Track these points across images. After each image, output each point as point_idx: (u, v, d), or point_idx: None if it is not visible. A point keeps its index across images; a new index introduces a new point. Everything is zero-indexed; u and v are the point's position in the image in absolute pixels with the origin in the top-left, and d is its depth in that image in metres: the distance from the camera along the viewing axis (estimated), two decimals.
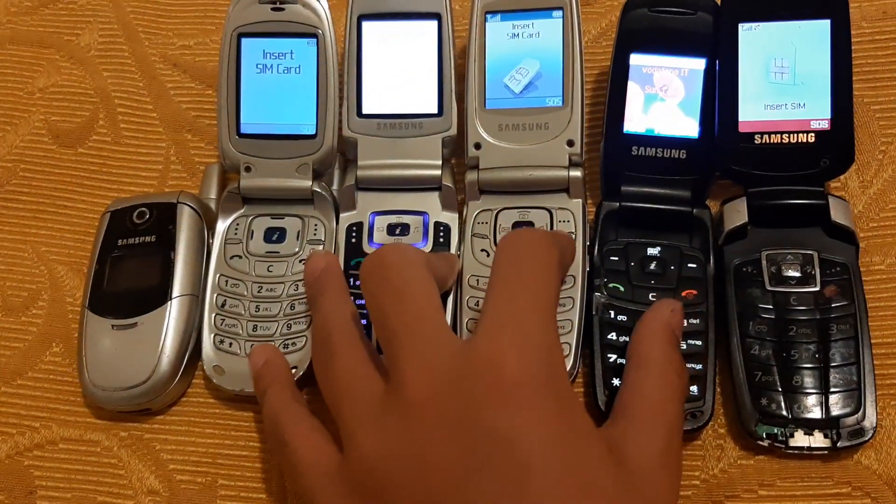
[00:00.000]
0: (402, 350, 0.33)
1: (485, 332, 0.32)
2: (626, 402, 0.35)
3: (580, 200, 0.42)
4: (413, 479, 0.31)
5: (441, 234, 0.43)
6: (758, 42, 0.42)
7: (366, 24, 0.44)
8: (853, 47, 0.45)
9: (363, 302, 0.40)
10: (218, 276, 0.43)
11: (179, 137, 0.50)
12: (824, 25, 0.41)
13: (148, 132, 0.50)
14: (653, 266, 0.41)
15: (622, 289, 0.41)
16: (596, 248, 0.42)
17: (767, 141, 0.41)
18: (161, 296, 0.42)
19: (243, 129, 0.44)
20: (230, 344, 0.42)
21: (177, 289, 0.43)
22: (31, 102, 0.51)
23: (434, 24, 0.43)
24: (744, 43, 0.42)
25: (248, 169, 0.44)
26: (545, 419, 0.30)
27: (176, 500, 0.41)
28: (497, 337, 0.32)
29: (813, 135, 0.41)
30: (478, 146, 0.43)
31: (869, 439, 0.36)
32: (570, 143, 0.42)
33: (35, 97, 0.51)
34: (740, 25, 0.42)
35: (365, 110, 0.44)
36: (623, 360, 0.38)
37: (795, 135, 0.41)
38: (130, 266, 0.44)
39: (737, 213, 0.41)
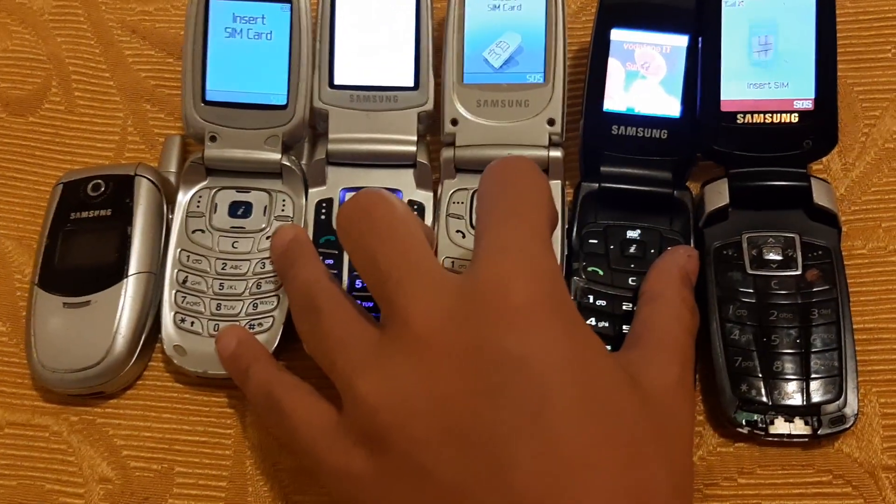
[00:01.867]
0: (400, 288, 0.31)
1: (485, 259, 0.31)
2: (639, 333, 0.35)
3: (559, 182, 0.41)
4: (424, 414, 0.30)
5: (415, 213, 0.41)
6: (741, 19, 0.41)
7: None
8: (837, 27, 0.44)
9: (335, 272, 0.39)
10: (179, 250, 0.41)
11: (138, 107, 0.47)
12: (809, 2, 0.41)
13: (104, 101, 0.47)
14: (632, 249, 0.40)
15: (601, 273, 0.39)
16: (574, 230, 0.40)
17: (750, 121, 0.40)
18: (117, 273, 0.40)
19: (209, 97, 0.41)
20: (192, 323, 0.40)
21: (133, 265, 0.40)
22: None
23: None
24: (727, 20, 0.41)
25: (213, 139, 0.41)
26: (558, 340, 0.30)
27: (129, 489, 0.39)
28: (499, 262, 0.31)
29: (796, 115, 0.40)
30: (454, 122, 0.41)
31: (850, 426, 0.36)
32: (551, 122, 0.41)
33: None
34: (723, 1, 0.41)
35: (337, 81, 0.42)
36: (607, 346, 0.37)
37: (778, 115, 0.40)
38: (84, 241, 0.41)
39: (717, 195, 0.40)
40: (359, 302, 0.38)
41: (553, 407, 0.29)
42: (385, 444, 0.30)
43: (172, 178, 0.44)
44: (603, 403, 0.29)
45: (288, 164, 0.41)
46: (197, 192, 0.42)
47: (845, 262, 0.39)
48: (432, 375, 0.30)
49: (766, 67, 0.41)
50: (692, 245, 0.40)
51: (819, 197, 0.39)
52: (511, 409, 0.29)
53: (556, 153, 0.40)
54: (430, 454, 0.29)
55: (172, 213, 0.42)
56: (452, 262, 0.40)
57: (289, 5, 0.41)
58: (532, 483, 0.28)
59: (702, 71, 0.41)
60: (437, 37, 0.42)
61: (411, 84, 0.42)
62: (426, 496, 0.29)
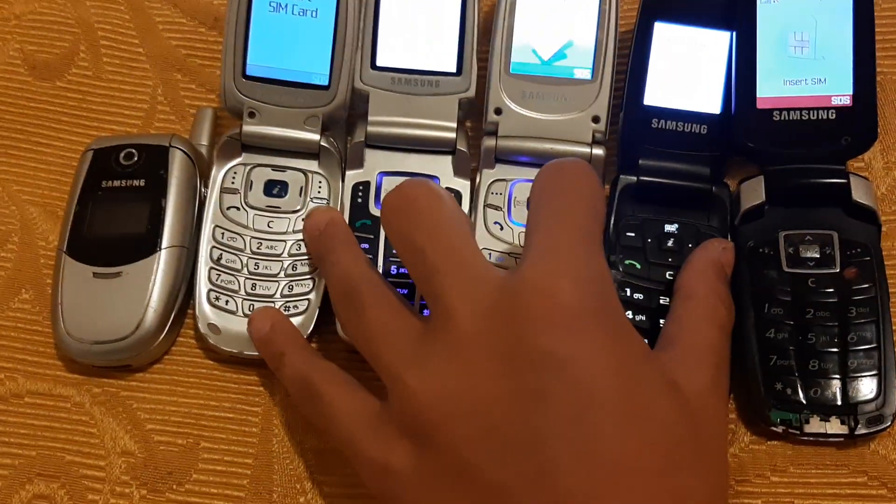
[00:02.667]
0: (446, 284, 0.31)
1: (533, 260, 0.31)
2: (673, 333, 0.35)
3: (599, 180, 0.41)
4: (470, 413, 0.30)
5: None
6: (776, 15, 0.41)
7: None
8: (884, 20, 0.44)
9: (370, 257, 0.39)
10: (213, 227, 0.40)
11: (168, 76, 0.46)
12: None
13: (133, 68, 0.47)
14: (670, 243, 0.40)
15: (639, 266, 0.40)
16: (612, 222, 0.40)
17: (786, 118, 0.40)
18: (150, 245, 0.40)
19: (249, 71, 0.41)
20: (227, 301, 0.39)
21: (167, 239, 0.40)
22: (7, 30, 0.47)
23: None
24: (762, 16, 0.41)
25: (251, 114, 0.41)
26: (602, 343, 0.30)
27: (153, 462, 0.39)
28: (547, 265, 0.31)
29: (834, 111, 0.40)
30: (498, 111, 0.41)
31: (888, 427, 0.36)
32: (596, 120, 0.40)
33: (11, 24, 0.47)
34: None
35: (379, 62, 0.41)
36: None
37: (815, 111, 0.40)
38: (115, 210, 0.40)
39: (754, 193, 0.40)
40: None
41: (595, 410, 0.29)
42: (429, 440, 0.30)
43: (204, 151, 0.43)
44: (644, 407, 0.29)
45: (326, 145, 0.41)
46: (232, 167, 0.42)
47: (885, 263, 0.38)
48: (477, 374, 0.30)
49: (803, 63, 0.40)
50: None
51: (857, 194, 0.39)
52: (554, 411, 0.29)
53: (599, 151, 0.40)
54: (473, 453, 0.29)
55: (205, 186, 0.42)
56: (490, 254, 0.40)
57: None
58: (574, 485, 0.28)
59: (737, 68, 0.41)
60: (483, 23, 0.42)
61: (454, 70, 0.41)
62: (467, 494, 0.29)
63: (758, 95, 0.40)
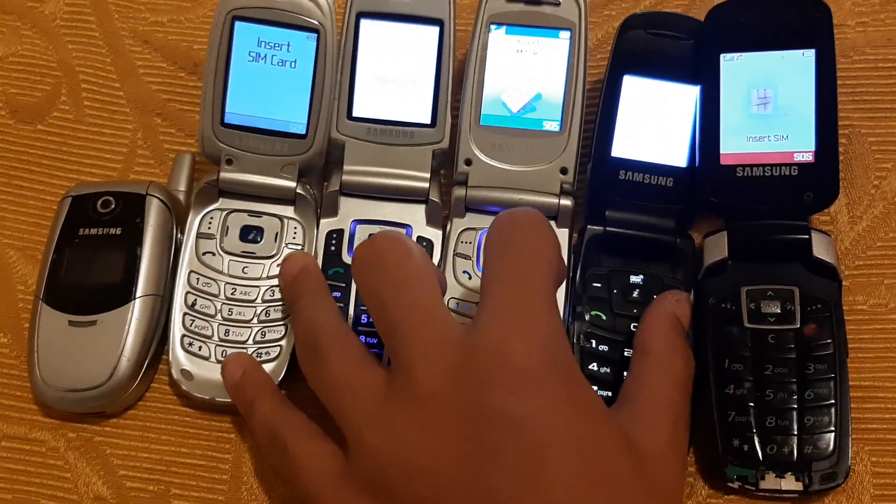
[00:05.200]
0: (407, 342, 0.32)
1: (488, 319, 0.32)
2: (632, 391, 0.35)
3: (567, 230, 0.41)
4: (429, 472, 0.30)
5: (429, 257, 0.41)
6: (740, 73, 0.42)
7: (364, 23, 0.42)
8: (854, 73, 0.45)
9: (341, 305, 0.40)
10: (189, 272, 0.41)
11: (148, 121, 0.47)
12: (809, 55, 0.41)
13: (114, 112, 0.47)
14: (635, 294, 0.41)
15: (604, 317, 0.40)
16: (578, 272, 0.41)
17: (750, 174, 0.41)
18: (125, 294, 0.40)
19: (228, 119, 0.41)
20: (199, 347, 0.40)
21: (141, 288, 0.40)
22: None
23: (436, 30, 0.42)
24: (725, 73, 0.42)
25: (229, 161, 0.41)
26: (556, 403, 0.30)
27: None
28: (501, 324, 0.31)
29: (796, 168, 0.40)
30: (468, 162, 0.42)
31: (841, 483, 0.37)
32: (564, 171, 0.41)
33: None
34: (722, 56, 0.42)
35: (356, 113, 0.42)
36: (605, 392, 0.38)
37: (778, 168, 0.41)
38: (92, 258, 0.41)
39: (716, 248, 0.41)
40: (363, 338, 0.38)
41: (550, 470, 0.29)
42: (389, 498, 0.31)
43: (182, 197, 0.44)
44: (600, 467, 0.30)
45: (302, 192, 0.42)
46: (208, 213, 0.42)
47: (846, 318, 0.39)
48: (436, 434, 0.31)
49: (766, 120, 0.41)
50: (692, 296, 0.40)
51: (819, 250, 0.40)
52: (509, 472, 0.29)
53: (567, 202, 0.41)
54: None
55: (181, 232, 0.42)
56: (458, 304, 0.40)
57: (315, 35, 0.41)
58: None
59: (701, 124, 0.42)
60: (457, 74, 0.43)
61: (428, 121, 0.42)
62: None
63: (721, 151, 0.41)
